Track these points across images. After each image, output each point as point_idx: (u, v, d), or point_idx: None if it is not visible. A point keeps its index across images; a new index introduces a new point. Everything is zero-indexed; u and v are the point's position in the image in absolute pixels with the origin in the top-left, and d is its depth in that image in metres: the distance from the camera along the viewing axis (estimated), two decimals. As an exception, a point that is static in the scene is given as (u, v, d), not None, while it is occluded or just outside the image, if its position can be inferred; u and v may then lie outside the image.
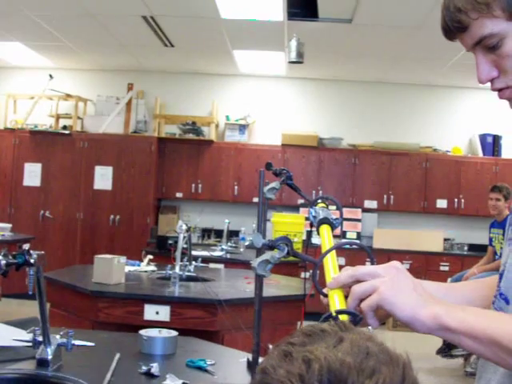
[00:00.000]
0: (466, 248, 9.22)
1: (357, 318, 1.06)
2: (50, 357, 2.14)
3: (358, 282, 1.11)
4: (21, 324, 2.65)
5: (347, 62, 8.62)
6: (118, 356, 2.34)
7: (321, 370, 0.68)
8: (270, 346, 2.24)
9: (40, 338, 2.16)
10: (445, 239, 9.20)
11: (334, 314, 1.06)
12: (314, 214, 1.54)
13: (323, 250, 1.33)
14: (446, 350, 6.22)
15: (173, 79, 9.73)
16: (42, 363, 2.14)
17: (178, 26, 7.34)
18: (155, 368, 2.16)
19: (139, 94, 9.65)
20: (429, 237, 9.13)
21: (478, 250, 9.11)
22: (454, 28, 1.19)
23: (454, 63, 8.01)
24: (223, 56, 8.62)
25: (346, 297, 1.13)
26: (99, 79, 9.79)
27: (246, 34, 7.54)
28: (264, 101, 9.70)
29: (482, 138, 9.34)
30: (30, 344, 2.20)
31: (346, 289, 1.14)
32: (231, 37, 7.64)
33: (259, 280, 1.78)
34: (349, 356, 0.71)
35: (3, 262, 1.78)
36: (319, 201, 1.61)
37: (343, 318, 1.06)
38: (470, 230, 9.46)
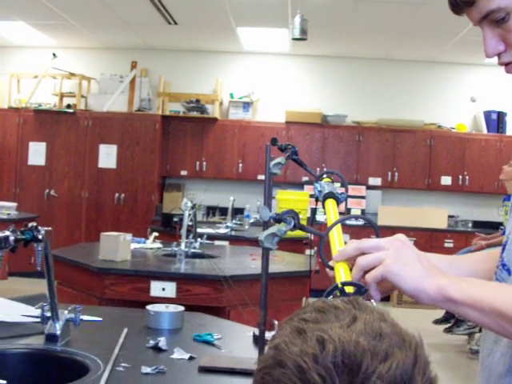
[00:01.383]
0: (470, 225, 9.24)
1: (362, 290, 1.08)
2: (58, 332, 2.16)
3: (363, 254, 1.13)
4: (28, 300, 2.69)
5: (351, 38, 8.58)
6: (125, 331, 2.36)
7: (335, 351, 0.69)
8: (276, 322, 2.26)
9: (48, 314, 2.18)
10: (449, 216, 9.21)
11: (339, 286, 1.08)
12: (319, 188, 1.54)
13: (329, 224, 1.35)
14: (449, 324, 6.28)
15: (177, 57, 9.70)
16: (51, 338, 2.16)
17: (181, 4, 7.31)
18: (163, 342, 2.19)
19: (143, 72, 9.63)
20: (433, 214, 9.14)
21: (482, 226, 9.13)
22: (461, 2, 1.19)
23: (459, 40, 7.97)
24: (227, 33, 8.59)
25: (352, 270, 1.14)
26: (103, 57, 9.77)
27: (249, 11, 7.51)
28: (268, 78, 9.68)
29: (487, 114, 9.32)
30: (38, 319, 2.23)
31: (352, 262, 1.15)
32: (235, 14, 7.61)
33: (266, 253, 1.80)
34: (362, 337, 0.71)
35: (12, 237, 1.80)
36: (324, 175, 1.62)
37: (348, 289, 1.08)
38: (475, 207, 9.47)
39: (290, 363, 0.70)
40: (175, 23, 8.16)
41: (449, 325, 6.34)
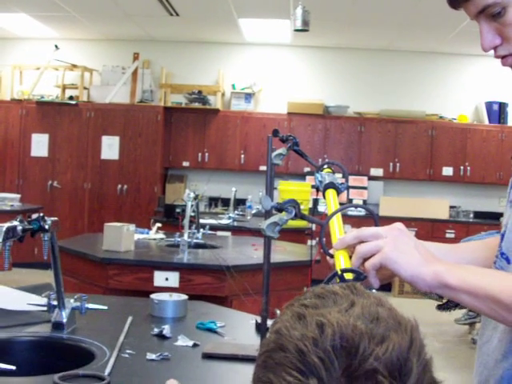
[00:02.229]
0: (471, 215, 9.26)
1: (361, 276, 1.11)
2: (64, 320, 2.20)
3: (363, 243, 1.16)
4: (34, 290, 2.72)
5: (353, 29, 8.58)
6: (130, 319, 2.40)
7: (334, 335, 0.72)
8: (278, 312, 2.30)
9: (55, 302, 2.22)
10: (450, 207, 9.24)
11: (339, 273, 1.12)
12: (320, 178, 1.57)
13: (329, 213, 1.38)
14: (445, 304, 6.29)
15: (178, 48, 9.72)
16: (57, 326, 2.21)
17: (183, -5, 7.32)
18: (167, 330, 2.23)
19: (145, 63, 9.64)
20: (435, 204, 9.17)
21: (483, 217, 9.16)
22: (458, -4, 1.22)
23: (460, 31, 7.97)
24: (229, 24, 8.60)
25: (351, 257, 1.18)
26: (105, 49, 9.78)
27: (251, 3, 7.52)
28: (270, 69, 9.69)
29: (488, 105, 9.32)
30: (45, 308, 2.27)
31: (351, 250, 1.19)
32: (236, 5, 7.62)
33: (268, 241, 1.84)
34: (360, 321, 0.74)
35: (19, 227, 1.84)
36: (325, 166, 1.65)
37: (348, 276, 1.11)
38: (476, 198, 9.49)
39: (291, 347, 0.73)
40: (177, 14, 8.17)
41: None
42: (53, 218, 2.02)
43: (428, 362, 0.76)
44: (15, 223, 1.83)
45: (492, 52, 1.26)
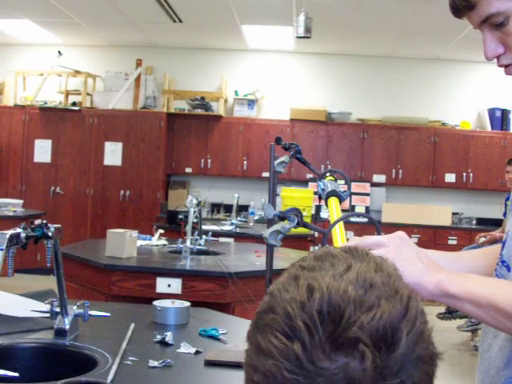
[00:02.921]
0: (474, 222, 9.26)
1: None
2: (67, 327, 2.21)
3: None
4: (37, 296, 2.72)
5: (355, 36, 8.60)
6: (132, 326, 2.41)
7: (321, 299, 0.70)
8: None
9: (57, 309, 2.23)
10: (453, 213, 9.24)
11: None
12: (322, 186, 1.58)
13: (331, 222, 1.38)
14: (447, 313, 6.30)
15: (181, 55, 9.74)
16: (60, 333, 2.21)
17: (186, 2, 7.34)
18: (169, 337, 2.23)
19: (148, 69, 9.67)
20: (437, 211, 9.16)
21: (486, 223, 9.15)
22: (461, 6, 1.23)
23: (463, 37, 7.98)
24: (231, 31, 8.62)
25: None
26: (108, 55, 9.81)
27: (254, 9, 7.54)
28: (272, 76, 9.70)
29: (491, 112, 9.33)
30: (47, 315, 2.27)
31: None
32: (239, 12, 7.64)
33: (270, 249, 1.84)
34: (351, 286, 0.72)
35: (23, 234, 1.84)
36: (327, 174, 1.66)
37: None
38: (479, 204, 9.49)
39: (279, 309, 0.72)
40: (180, 21, 8.19)
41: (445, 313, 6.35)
42: (56, 225, 2.03)
43: (423, 331, 0.75)
44: (18, 230, 1.83)
45: (495, 60, 1.27)
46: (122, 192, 9.12)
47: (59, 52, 9.41)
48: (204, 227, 5.45)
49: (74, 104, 9.35)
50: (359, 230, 8.18)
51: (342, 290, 0.71)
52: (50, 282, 2.12)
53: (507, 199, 6.87)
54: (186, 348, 2.18)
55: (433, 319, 6.46)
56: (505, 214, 6.79)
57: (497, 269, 1.30)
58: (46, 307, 2.30)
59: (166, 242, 5.04)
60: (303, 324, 0.70)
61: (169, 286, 3.85)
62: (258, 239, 5.74)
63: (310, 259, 0.80)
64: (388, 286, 0.75)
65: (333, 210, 1.50)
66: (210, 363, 2.06)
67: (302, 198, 7.24)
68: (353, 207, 9.06)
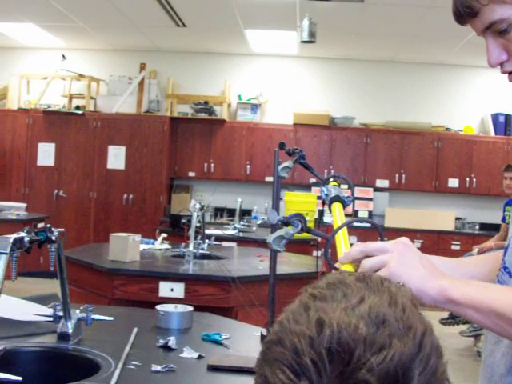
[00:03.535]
0: (477, 227, 9.25)
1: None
2: (70, 331, 2.21)
3: (368, 257, 1.17)
4: (40, 300, 2.73)
5: (359, 41, 8.60)
6: (135, 330, 2.41)
7: (331, 336, 0.68)
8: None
9: (60, 313, 2.23)
10: (456, 218, 9.23)
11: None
12: (325, 192, 1.58)
13: (335, 227, 1.38)
14: (450, 319, 6.29)
15: (185, 59, 9.75)
16: (63, 337, 2.21)
17: (190, 6, 7.35)
18: (172, 341, 2.24)
19: (152, 73, 9.68)
20: (440, 216, 9.15)
21: (489, 229, 9.13)
22: (464, 13, 1.23)
23: (467, 42, 7.98)
24: (235, 35, 8.63)
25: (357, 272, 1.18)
26: (112, 59, 9.83)
27: (258, 14, 7.55)
28: (276, 80, 9.71)
29: (494, 117, 9.32)
30: (51, 319, 2.27)
31: (357, 264, 1.19)
32: (243, 16, 7.65)
33: (273, 254, 1.84)
34: (363, 322, 0.69)
35: (27, 238, 1.84)
36: (331, 179, 1.66)
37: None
38: (482, 210, 9.47)
39: (288, 342, 0.70)
40: (184, 25, 8.20)
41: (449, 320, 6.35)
42: (59, 229, 2.03)
43: (437, 369, 0.72)
44: (22, 234, 1.83)
45: (498, 66, 1.27)
46: (125, 196, 9.13)
47: (63, 56, 9.43)
48: (207, 231, 5.45)
49: (77, 108, 9.36)
50: (362, 235, 8.18)
51: (353, 327, 0.69)
52: (53, 286, 2.12)
53: (506, 204, 6.87)
54: (188, 352, 2.18)
55: (436, 324, 6.45)
56: (503, 219, 6.79)
57: (499, 275, 1.30)
58: (49, 311, 2.31)
59: (168, 246, 5.04)
60: (311, 362, 0.68)
61: (172, 290, 3.85)
62: (261, 243, 5.73)
63: (323, 287, 0.78)
64: (402, 321, 0.72)
65: (336, 216, 1.50)
66: (213, 368, 2.06)
67: (305, 202, 7.24)
68: (356, 212, 9.05)
